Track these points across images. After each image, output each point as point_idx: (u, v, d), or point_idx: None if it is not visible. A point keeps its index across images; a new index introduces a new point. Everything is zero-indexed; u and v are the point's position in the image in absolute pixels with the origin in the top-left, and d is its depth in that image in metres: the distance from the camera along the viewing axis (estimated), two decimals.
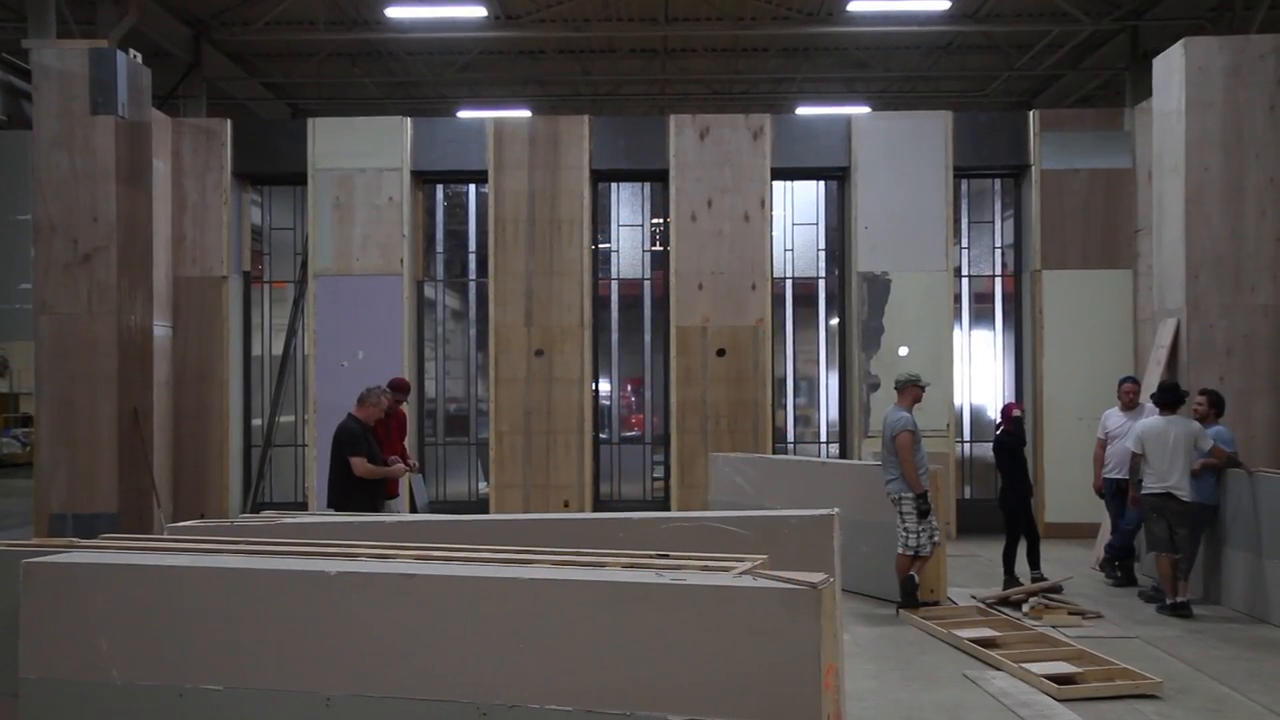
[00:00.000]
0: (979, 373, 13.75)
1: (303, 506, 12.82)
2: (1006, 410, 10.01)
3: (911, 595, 8.62)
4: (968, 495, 13.28)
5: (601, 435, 13.61)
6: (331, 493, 8.21)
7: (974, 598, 9.10)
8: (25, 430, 26.41)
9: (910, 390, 8.90)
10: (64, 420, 10.14)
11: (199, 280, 13.18)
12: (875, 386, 12.80)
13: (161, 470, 12.24)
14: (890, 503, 8.76)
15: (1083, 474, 10.72)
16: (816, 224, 13.77)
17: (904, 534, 8.61)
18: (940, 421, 12.43)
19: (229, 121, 13.47)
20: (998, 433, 9.99)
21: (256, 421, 13.82)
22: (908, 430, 8.62)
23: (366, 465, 8.09)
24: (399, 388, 9.47)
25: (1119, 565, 9.88)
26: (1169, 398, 8.94)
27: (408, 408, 10.92)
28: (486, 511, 12.59)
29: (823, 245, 13.75)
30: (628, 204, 13.90)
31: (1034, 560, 9.62)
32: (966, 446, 13.49)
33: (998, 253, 13.81)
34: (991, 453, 10.18)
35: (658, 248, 13.82)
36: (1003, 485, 9.74)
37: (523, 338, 12.96)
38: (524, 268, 12.97)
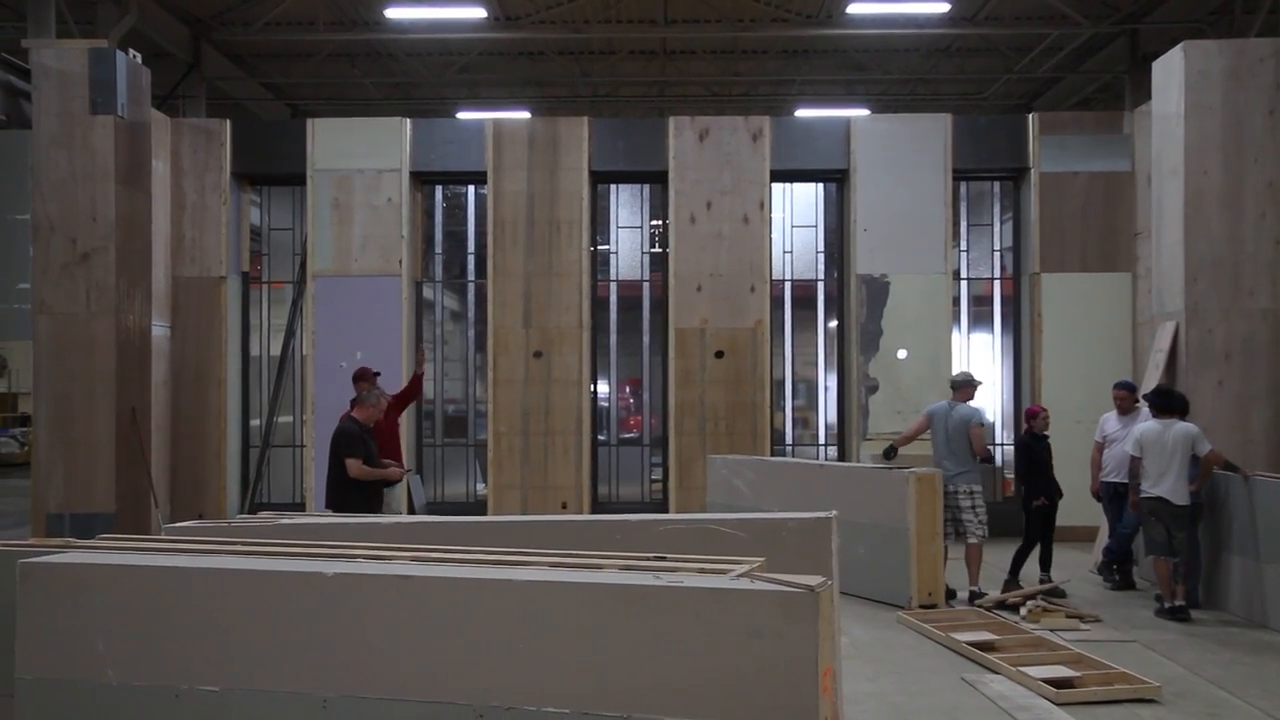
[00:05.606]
0: (978, 375, 13.64)
1: (300, 507, 12.80)
2: (1029, 413, 10.16)
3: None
4: None
5: (600, 437, 13.60)
6: (329, 494, 8.20)
7: (973, 600, 9.10)
8: (23, 430, 26.36)
9: (971, 388, 9.72)
10: (62, 420, 10.12)
11: (198, 280, 13.18)
12: (874, 389, 12.80)
13: (159, 470, 12.23)
14: (951, 498, 9.20)
15: (1081, 477, 10.71)
16: (815, 226, 13.77)
17: (978, 526, 9.19)
18: None
19: (228, 122, 13.47)
20: (1024, 434, 10.09)
21: (255, 422, 13.81)
22: (981, 423, 9.50)
23: (361, 467, 8.05)
24: (364, 377, 9.55)
25: (1117, 569, 9.89)
26: (1162, 403, 8.95)
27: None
28: (484, 513, 12.58)
29: (822, 247, 13.75)
30: (627, 205, 13.89)
31: (1045, 563, 9.71)
32: None
33: (997, 255, 13.81)
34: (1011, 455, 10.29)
35: (657, 249, 13.82)
36: (1025, 489, 9.77)
37: (521, 339, 12.95)
38: (523, 269, 12.96)
